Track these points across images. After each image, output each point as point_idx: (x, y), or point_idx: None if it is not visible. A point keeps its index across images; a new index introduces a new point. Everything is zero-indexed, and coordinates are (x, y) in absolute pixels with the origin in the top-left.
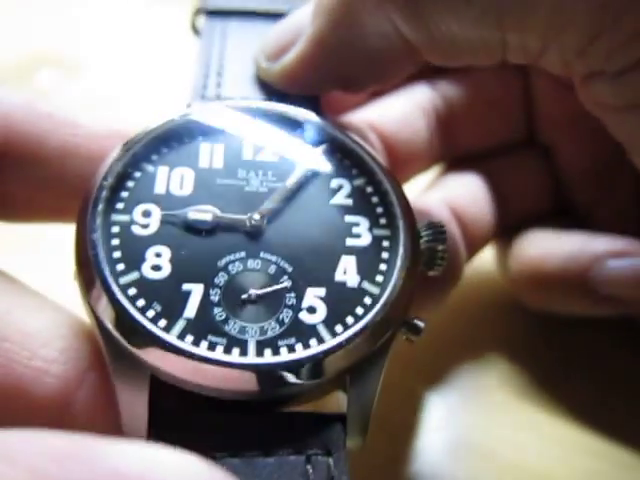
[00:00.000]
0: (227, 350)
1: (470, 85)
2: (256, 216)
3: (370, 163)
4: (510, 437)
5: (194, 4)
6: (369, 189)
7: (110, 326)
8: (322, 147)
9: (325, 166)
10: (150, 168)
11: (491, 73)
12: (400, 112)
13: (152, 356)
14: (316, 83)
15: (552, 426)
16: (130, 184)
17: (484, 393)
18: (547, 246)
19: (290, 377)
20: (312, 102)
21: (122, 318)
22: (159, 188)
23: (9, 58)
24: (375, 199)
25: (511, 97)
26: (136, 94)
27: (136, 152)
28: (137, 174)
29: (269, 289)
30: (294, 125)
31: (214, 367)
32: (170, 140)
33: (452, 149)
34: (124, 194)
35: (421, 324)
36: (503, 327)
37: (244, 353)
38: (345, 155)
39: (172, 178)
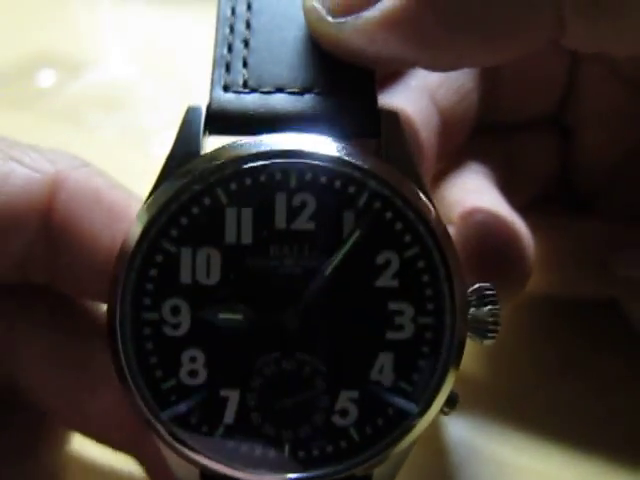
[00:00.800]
0: (264, 453)
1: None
2: (291, 315)
3: (425, 226)
4: (511, 437)
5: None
6: (420, 264)
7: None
8: (368, 204)
9: (372, 234)
10: (172, 249)
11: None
12: (459, 81)
13: (200, 458)
14: (398, 51)
15: (554, 426)
16: (153, 272)
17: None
18: (565, 227)
19: None
20: (366, 81)
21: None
22: (185, 277)
23: (9, 58)
24: (426, 278)
25: (556, 76)
26: (137, 94)
27: (152, 228)
28: (159, 258)
29: (302, 397)
30: (333, 174)
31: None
32: (189, 205)
33: (489, 118)
34: (149, 286)
35: (455, 395)
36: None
37: (280, 456)
38: (397, 217)
39: (197, 262)
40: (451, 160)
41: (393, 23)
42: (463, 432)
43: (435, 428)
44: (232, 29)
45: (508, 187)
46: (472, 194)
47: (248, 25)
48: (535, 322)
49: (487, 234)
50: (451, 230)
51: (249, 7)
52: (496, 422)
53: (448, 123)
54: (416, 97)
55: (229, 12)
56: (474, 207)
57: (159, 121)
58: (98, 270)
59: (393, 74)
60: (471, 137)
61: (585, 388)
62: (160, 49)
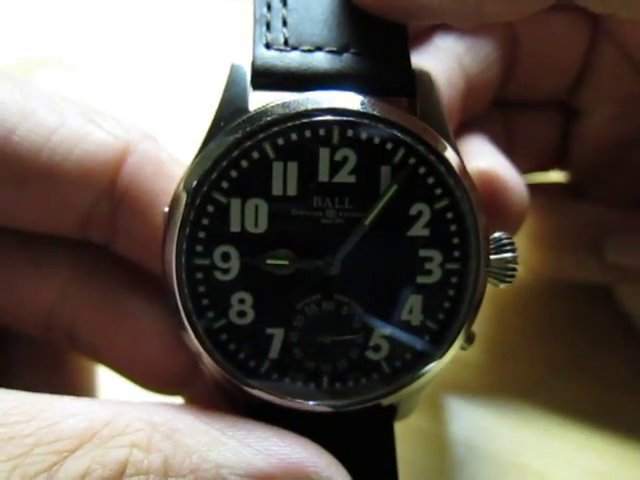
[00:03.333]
0: (305, 384)
1: (541, 32)
2: (331, 261)
3: (454, 180)
4: (511, 436)
5: None
6: (449, 215)
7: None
8: (403, 160)
9: (406, 187)
10: (222, 200)
11: (563, 24)
12: (484, 51)
13: (248, 389)
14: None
15: (554, 425)
16: (205, 221)
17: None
18: (564, 212)
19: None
20: (401, 40)
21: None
22: (234, 226)
23: (9, 58)
24: (454, 227)
25: (572, 58)
26: (136, 94)
27: (205, 181)
28: (210, 208)
29: (342, 337)
30: (373, 131)
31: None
32: (238, 159)
33: (502, 93)
34: (201, 234)
35: (473, 333)
36: (505, 327)
37: (319, 386)
38: (430, 172)
39: (246, 212)
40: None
41: None
42: (463, 432)
43: (437, 426)
44: None
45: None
46: (479, 157)
47: None
48: (535, 322)
49: (484, 183)
50: None
51: None
52: (496, 421)
53: (472, 89)
54: (445, 58)
55: None
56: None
57: (159, 120)
58: (153, 235)
59: (424, 35)
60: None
61: (586, 387)
62: (160, 49)
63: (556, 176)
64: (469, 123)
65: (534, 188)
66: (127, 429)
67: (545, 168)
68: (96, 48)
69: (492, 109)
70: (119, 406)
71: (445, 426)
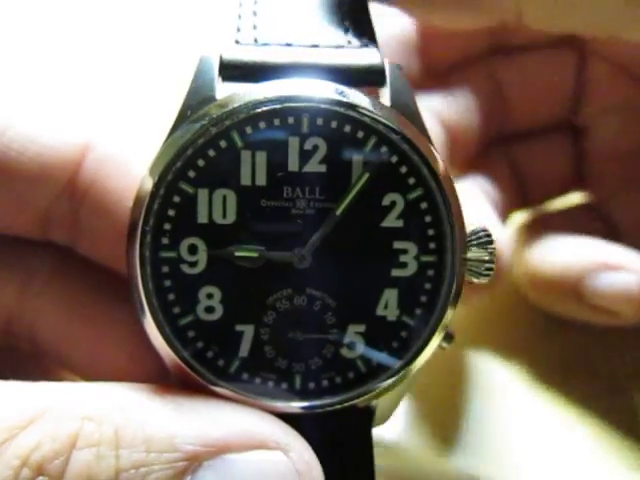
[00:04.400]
0: (276, 384)
1: (527, 67)
2: (303, 252)
3: (428, 169)
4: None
5: None
6: (423, 205)
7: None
8: (375, 148)
9: (379, 177)
10: (189, 190)
11: (547, 54)
12: (464, 102)
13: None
14: None
15: (563, 427)
16: (171, 212)
17: (496, 392)
18: (547, 251)
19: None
20: (371, 35)
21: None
22: (201, 217)
23: None
24: (428, 218)
25: (564, 79)
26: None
27: (170, 170)
28: (176, 198)
29: (315, 339)
30: (343, 119)
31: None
32: (205, 148)
33: (500, 130)
34: (167, 226)
35: (452, 332)
36: (518, 327)
37: (291, 386)
38: (402, 160)
39: (214, 203)
40: (459, 173)
41: None
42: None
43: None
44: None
45: (518, 193)
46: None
47: None
48: (536, 320)
49: None
50: None
51: None
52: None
53: (454, 139)
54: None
55: None
56: None
57: (120, 113)
58: (117, 235)
59: None
60: (483, 150)
61: (587, 387)
62: (119, 35)
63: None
64: (471, 165)
65: (554, 216)
66: (80, 403)
67: (565, 191)
68: (94, 47)
69: (492, 150)
70: (72, 384)
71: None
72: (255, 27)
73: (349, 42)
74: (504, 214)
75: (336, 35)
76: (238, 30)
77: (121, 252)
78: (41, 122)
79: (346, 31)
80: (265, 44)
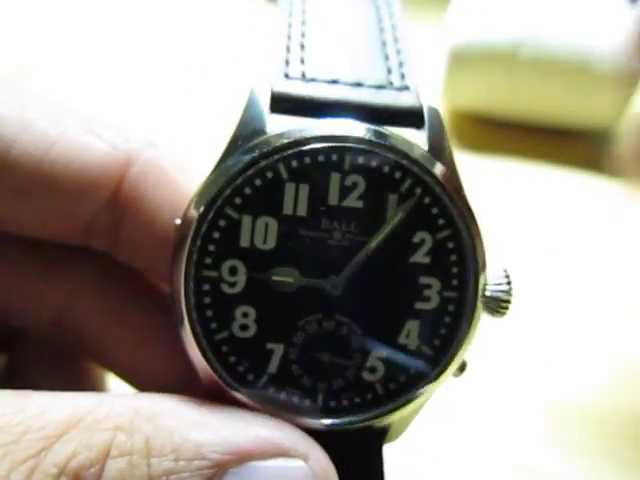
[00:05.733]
0: (300, 400)
1: None
2: (335, 281)
3: (457, 211)
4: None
5: None
6: (450, 245)
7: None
8: (410, 189)
9: (411, 216)
10: (234, 215)
11: None
12: None
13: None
14: None
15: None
16: (216, 235)
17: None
18: None
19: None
20: (412, 71)
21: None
22: (244, 241)
23: (3, 64)
24: (454, 257)
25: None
26: (137, 95)
27: (219, 197)
28: (221, 222)
29: (339, 361)
30: (382, 160)
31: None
32: (253, 177)
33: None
34: (211, 247)
35: (465, 362)
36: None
37: (314, 404)
38: (434, 201)
39: (256, 229)
40: None
41: None
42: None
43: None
44: (290, 37)
45: None
46: None
47: (305, 18)
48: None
49: None
50: None
51: (305, 1)
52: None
53: None
54: None
55: (289, 5)
56: None
57: (158, 124)
58: (155, 244)
59: None
60: None
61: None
62: (160, 50)
63: None
64: None
65: None
66: (110, 414)
67: None
68: (96, 49)
69: None
70: (102, 395)
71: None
72: (303, 61)
73: (391, 83)
74: None
75: (379, 74)
76: (287, 63)
77: (158, 261)
78: (85, 137)
79: (389, 71)
80: (312, 79)
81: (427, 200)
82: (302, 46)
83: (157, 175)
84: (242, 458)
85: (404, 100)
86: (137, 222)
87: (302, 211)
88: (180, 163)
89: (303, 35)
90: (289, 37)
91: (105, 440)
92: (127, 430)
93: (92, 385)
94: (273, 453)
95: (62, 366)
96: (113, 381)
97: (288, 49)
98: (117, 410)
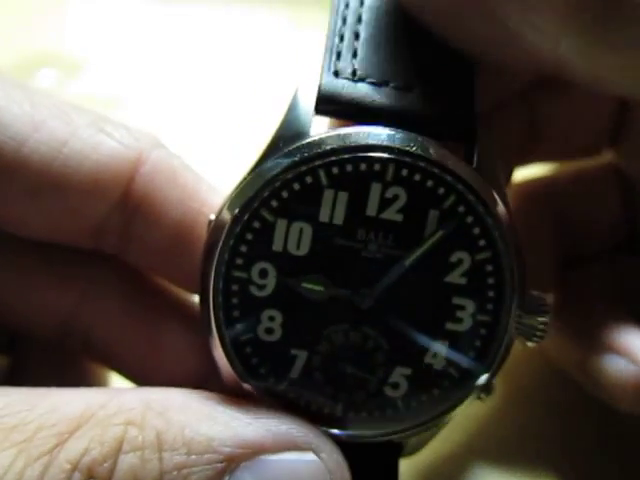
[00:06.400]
0: (319, 409)
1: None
2: (366, 295)
3: (499, 233)
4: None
5: None
6: (489, 267)
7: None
8: (453, 207)
9: (450, 234)
10: (269, 218)
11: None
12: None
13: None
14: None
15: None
16: (249, 236)
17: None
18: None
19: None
20: (468, 83)
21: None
22: (277, 245)
23: (9, 58)
24: (491, 280)
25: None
26: (137, 95)
27: (256, 198)
28: (256, 224)
29: (362, 373)
30: (426, 174)
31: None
32: (292, 181)
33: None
34: (243, 248)
35: (493, 385)
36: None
37: (332, 413)
38: (477, 222)
39: (290, 234)
40: None
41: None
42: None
43: None
44: (345, 21)
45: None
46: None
47: (359, 19)
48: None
49: None
50: None
51: (362, 3)
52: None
53: None
54: None
55: (343, 5)
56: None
57: (160, 121)
58: (164, 243)
59: None
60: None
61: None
62: (161, 48)
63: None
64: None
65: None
66: (121, 408)
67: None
68: (97, 48)
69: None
70: (113, 390)
71: None
72: (354, 63)
73: (445, 89)
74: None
75: (433, 79)
76: (337, 63)
77: (168, 260)
78: (96, 137)
79: (444, 76)
80: (362, 79)
81: (469, 219)
82: (356, 35)
83: (167, 174)
84: (254, 452)
85: (457, 111)
86: (147, 221)
87: (339, 219)
88: (186, 163)
89: (359, 20)
90: (344, 23)
91: (117, 435)
92: (138, 425)
93: (97, 385)
94: (285, 446)
95: (64, 368)
96: (117, 382)
97: (342, 38)
98: (128, 404)
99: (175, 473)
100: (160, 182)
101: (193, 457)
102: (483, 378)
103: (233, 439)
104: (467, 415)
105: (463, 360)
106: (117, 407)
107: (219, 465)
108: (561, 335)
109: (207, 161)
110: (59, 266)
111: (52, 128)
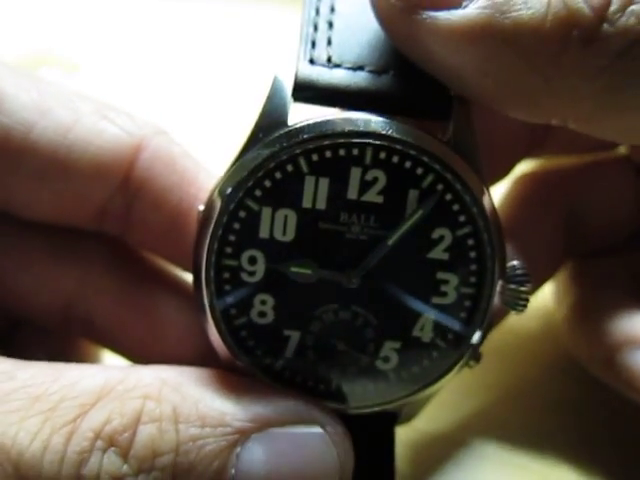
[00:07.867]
0: (315, 385)
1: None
2: (353, 275)
3: (478, 209)
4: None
5: None
6: (470, 242)
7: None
8: (431, 186)
9: (431, 212)
10: (255, 207)
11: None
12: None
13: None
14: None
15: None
16: (236, 226)
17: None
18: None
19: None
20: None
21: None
22: (263, 232)
23: (9, 58)
24: (473, 254)
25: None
26: (137, 94)
27: (240, 189)
28: (242, 214)
29: (354, 349)
30: (404, 155)
31: None
32: (273, 170)
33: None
34: (232, 237)
35: (481, 353)
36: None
37: (327, 388)
38: (455, 199)
39: (275, 221)
40: None
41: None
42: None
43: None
44: (318, 11)
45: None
46: None
47: (332, 9)
48: (537, 322)
49: None
50: None
51: None
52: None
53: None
54: None
55: None
56: None
57: (159, 120)
58: (164, 226)
59: None
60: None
61: (587, 388)
62: (161, 48)
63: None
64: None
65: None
66: (139, 384)
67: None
68: (97, 48)
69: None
70: (130, 367)
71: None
72: (329, 50)
73: (420, 71)
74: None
75: (408, 62)
76: (312, 51)
77: (168, 242)
78: (100, 123)
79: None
80: (337, 65)
81: (448, 197)
82: (330, 24)
83: (166, 160)
84: (263, 425)
85: (431, 90)
86: (147, 205)
87: (321, 204)
88: (186, 149)
89: (332, 10)
90: (317, 13)
91: (136, 407)
92: (156, 398)
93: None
94: (292, 420)
95: (66, 350)
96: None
97: (315, 27)
98: (145, 380)
99: (191, 444)
100: (159, 168)
101: (207, 429)
102: (472, 340)
103: (244, 413)
104: (467, 414)
105: (449, 332)
106: (135, 382)
107: (231, 437)
108: (581, 333)
109: (208, 158)
110: (60, 249)
111: (58, 115)
